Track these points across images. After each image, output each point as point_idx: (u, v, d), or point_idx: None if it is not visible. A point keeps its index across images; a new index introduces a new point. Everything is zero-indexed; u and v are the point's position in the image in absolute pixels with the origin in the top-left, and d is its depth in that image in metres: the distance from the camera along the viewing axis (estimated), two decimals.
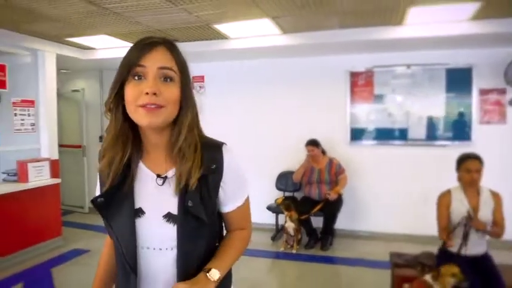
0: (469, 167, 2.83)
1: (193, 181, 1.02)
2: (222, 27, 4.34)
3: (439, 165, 4.74)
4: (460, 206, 2.84)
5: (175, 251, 1.03)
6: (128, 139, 1.07)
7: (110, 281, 1.22)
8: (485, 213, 2.80)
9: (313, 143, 4.96)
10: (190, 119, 1.06)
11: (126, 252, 1.03)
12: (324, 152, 5.05)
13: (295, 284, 3.99)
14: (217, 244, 1.16)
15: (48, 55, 4.93)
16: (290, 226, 4.75)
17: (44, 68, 4.91)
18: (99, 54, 5.41)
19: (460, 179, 2.91)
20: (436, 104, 4.94)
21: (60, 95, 5.25)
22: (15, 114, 4.58)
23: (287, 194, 5.36)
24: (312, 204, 4.86)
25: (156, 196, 1.06)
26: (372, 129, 5.20)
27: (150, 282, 1.05)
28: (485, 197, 2.84)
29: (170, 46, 1.05)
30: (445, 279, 2.54)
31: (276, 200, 5.10)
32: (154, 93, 0.97)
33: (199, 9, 3.67)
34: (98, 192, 1.12)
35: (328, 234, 4.86)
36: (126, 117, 1.04)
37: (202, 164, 1.05)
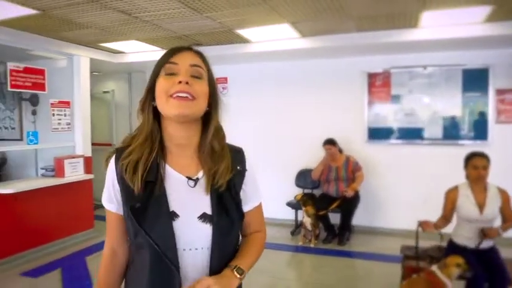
0: (476, 163, 2.98)
1: (225, 181, 1.08)
2: (243, 32, 4.59)
3: (454, 164, 4.77)
4: (466, 202, 2.99)
5: (209, 249, 1.06)
6: (155, 140, 1.10)
7: None
8: (491, 210, 2.94)
9: (330, 142, 5.14)
10: (218, 119, 1.15)
11: (168, 255, 1.02)
12: (341, 151, 5.23)
13: (311, 275, 4.21)
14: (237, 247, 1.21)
15: (83, 59, 5.31)
16: (308, 221, 4.96)
17: (79, 71, 5.29)
18: (129, 58, 5.75)
19: (467, 176, 3.06)
20: (452, 104, 5.05)
21: (91, 96, 5.61)
22: (53, 114, 4.97)
23: (306, 191, 5.56)
24: (329, 200, 5.06)
25: (187, 198, 1.08)
26: (389, 129, 5.35)
27: (188, 282, 1.05)
28: (493, 193, 2.98)
29: (197, 51, 1.15)
30: (449, 269, 2.71)
31: (295, 197, 5.32)
32: (187, 83, 1.04)
33: (222, 16, 3.93)
34: (109, 194, 1.14)
35: (345, 229, 5.05)
36: (154, 118, 1.11)
37: (233, 164, 1.13)
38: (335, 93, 5.55)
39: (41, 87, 4.77)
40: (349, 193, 4.94)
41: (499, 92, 4.88)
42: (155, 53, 5.53)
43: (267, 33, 4.59)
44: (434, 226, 3.09)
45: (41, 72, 4.75)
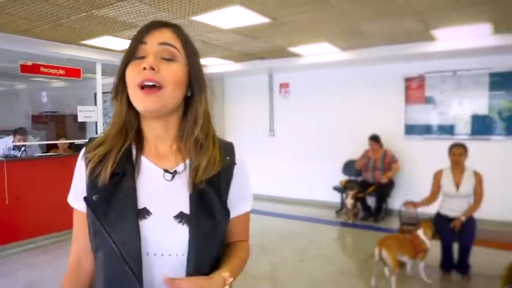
0: (454, 151, 3.89)
1: (209, 175, 0.93)
2: (293, 49, 5.81)
3: (480, 156, 5.54)
4: (447, 181, 3.91)
5: (184, 256, 0.89)
6: (131, 129, 0.96)
7: None
8: (466, 188, 3.82)
9: (374, 139, 6.13)
10: (205, 105, 0.97)
11: (129, 260, 0.84)
12: (381, 146, 6.17)
13: (347, 243, 5.32)
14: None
15: None
16: (349, 202, 6.02)
17: None
18: (210, 69, 7.26)
19: (450, 161, 3.96)
20: (479, 104, 5.71)
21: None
22: None
23: (351, 178, 6.59)
24: (367, 185, 6.06)
25: (164, 194, 0.92)
26: (423, 126, 6.15)
27: None
28: (468, 175, 3.85)
29: (175, 28, 0.96)
30: (425, 230, 3.68)
31: (340, 182, 6.41)
32: (152, 68, 0.87)
33: (273, 39, 5.20)
34: (76, 189, 0.96)
35: (380, 210, 6.01)
36: (130, 105, 0.94)
37: (221, 156, 0.97)
38: (377, 95, 6.50)
39: None
40: (384, 180, 5.90)
41: None
42: (229, 66, 7.03)
43: (312, 49, 5.76)
44: (413, 205, 4.04)
45: None
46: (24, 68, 4.81)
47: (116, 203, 0.89)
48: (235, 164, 1.02)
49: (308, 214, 6.43)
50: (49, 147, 6.93)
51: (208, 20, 4.10)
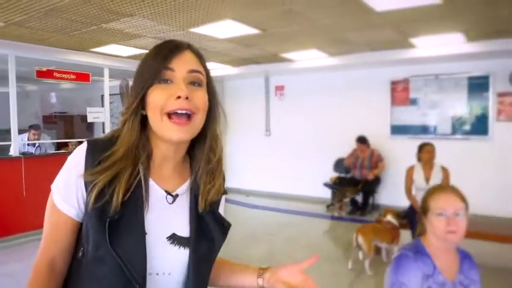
0: (427, 149, 4.34)
1: (214, 200, 0.96)
2: (286, 55, 6.27)
3: (461, 155, 5.98)
4: (418, 176, 4.35)
5: (178, 276, 0.92)
6: (143, 152, 0.92)
7: None
8: (435, 181, 4.25)
9: (361, 140, 6.57)
10: (218, 131, 0.98)
11: (137, 278, 0.84)
12: (368, 146, 6.62)
13: (334, 234, 5.78)
14: None
15: None
16: (338, 197, 6.48)
17: None
18: (211, 72, 7.76)
19: (421, 158, 4.40)
20: (459, 105, 6.14)
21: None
22: None
23: (341, 175, 7.04)
24: (355, 182, 6.51)
25: (161, 215, 0.92)
26: (408, 126, 6.59)
27: None
28: (436, 170, 4.30)
29: (195, 50, 0.95)
30: (391, 215, 4.16)
31: (330, 178, 6.87)
32: (187, 98, 0.86)
33: (265, 47, 5.66)
34: (67, 194, 0.89)
35: (366, 204, 6.46)
36: (142, 127, 0.92)
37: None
38: (365, 97, 6.95)
39: None
40: (370, 177, 6.34)
41: (499, 94, 5.87)
42: (228, 69, 7.51)
43: (302, 55, 6.22)
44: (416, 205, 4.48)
45: None
46: (40, 74, 5.31)
47: (126, 220, 0.87)
48: (226, 193, 1.06)
49: (300, 208, 6.89)
50: (59, 145, 7.45)
51: (206, 31, 4.57)
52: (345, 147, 6.95)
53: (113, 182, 0.87)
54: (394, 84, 6.67)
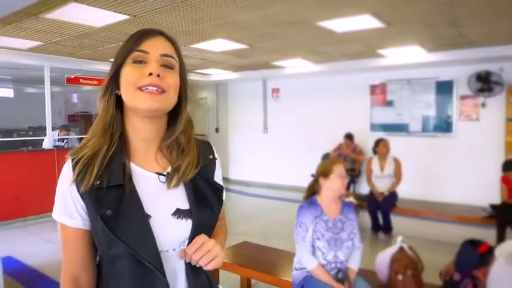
0: (384, 144, 5.29)
1: (192, 175, 1.00)
2: (277, 63, 7.25)
3: (430, 150, 6.88)
4: (375, 166, 5.30)
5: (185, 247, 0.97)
6: (116, 132, 0.97)
7: None
8: (388, 170, 5.21)
9: (348, 137, 7.47)
10: (187, 111, 1.05)
11: (150, 258, 0.90)
12: (353, 141, 7.53)
13: None
14: None
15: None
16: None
17: None
18: (214, 77, 8.81)
19: (376, 152, 5.34)
20: (428, 106, 7.02)
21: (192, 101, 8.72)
22: None
23: None
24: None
25: (158, 196, 0.97)
26: (385, 124, 7.50)
27: (170, 284, 0.94)
28: (389, 161, 5.24)
29: (169, 37, 1.02)
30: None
31: None
32: (158, 75, 0.93)
33: (256, 57, 6.64)
34: (65, 206, 0.94)
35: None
36: (116, 107, 0.99)
37: (199, 156, 1.04)
38: (348, 99, 7.89)
39: None
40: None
41: (462, 97, 6.72)
42: (230, 74, 8.53)
43: (290, 63, 7.20)
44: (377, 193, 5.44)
45: None
46: (69, 80, 6.42)
47: (123, 212, 0.90)
48: (216, 159, 1.12)
49: (292, 197, 7.85)
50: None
51: (203, 46, 5.58)
52: (332, 143, 7.89)
53: (89, 164, 0.92)
54: (373, 87, 7.59)
